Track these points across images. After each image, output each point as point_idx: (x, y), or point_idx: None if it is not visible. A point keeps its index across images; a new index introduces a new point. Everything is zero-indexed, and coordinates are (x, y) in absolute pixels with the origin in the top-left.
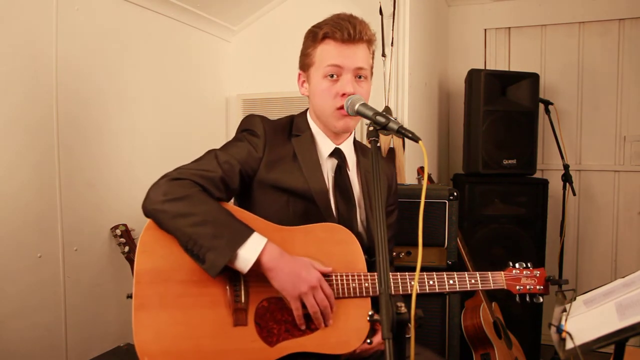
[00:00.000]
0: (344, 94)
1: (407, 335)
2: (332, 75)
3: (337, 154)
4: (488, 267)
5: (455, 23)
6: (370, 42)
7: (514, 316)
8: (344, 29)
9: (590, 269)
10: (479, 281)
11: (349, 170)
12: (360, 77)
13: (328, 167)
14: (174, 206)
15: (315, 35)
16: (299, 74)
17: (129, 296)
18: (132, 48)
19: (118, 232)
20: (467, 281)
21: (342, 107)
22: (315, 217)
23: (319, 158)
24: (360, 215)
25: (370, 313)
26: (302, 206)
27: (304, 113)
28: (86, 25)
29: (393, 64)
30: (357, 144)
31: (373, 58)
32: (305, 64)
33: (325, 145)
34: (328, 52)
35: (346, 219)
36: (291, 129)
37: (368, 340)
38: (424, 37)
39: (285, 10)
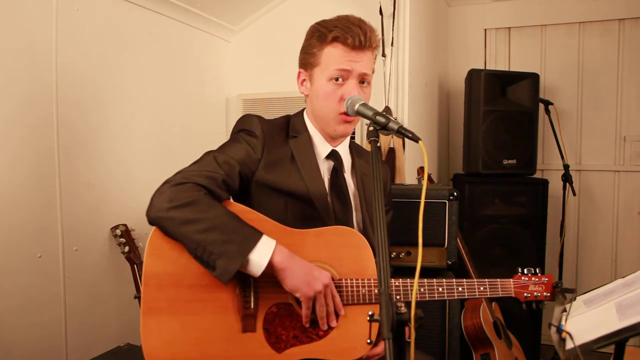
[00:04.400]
0: None
1: (407, 340)
2: (337, 79)
3: (333, 155)
4: (488, 267)
5: (455, 23)
6: (376, 48)
7: (514, 316)
8: (355, 36)
9: (590, 269)
10: (487, 289)
11: (344, 172)
12: (363, 82)
13: (324, 169)
14: (180, 213)
15: (323, 36)
16: (299, 72)
17: (135, 297)
18: (132, 48)
19: (118, 232)
20: (476, 289)
21: (345, 113)
22: (314, 219)
23: (317, 160)
24: (356, 217)
25: (370, 313)
26: (301, 208)
27: (301, 113)
28: (86, 25)
29: (393, 64)
30: (352, 146)
31: (375, 61)
32: (308, 63)
33: (322, 147)
34: (336, 56)
35: (342, 222)
36: (288, 130)
37: (368, 340)
38: (424, 37)
39: (285, 10)
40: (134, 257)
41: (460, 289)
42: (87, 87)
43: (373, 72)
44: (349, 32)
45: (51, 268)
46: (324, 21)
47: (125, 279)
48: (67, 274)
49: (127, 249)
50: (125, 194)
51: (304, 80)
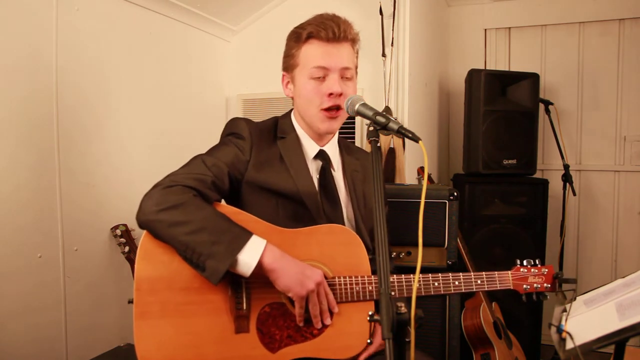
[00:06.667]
0: (330, 94)
1: (407, 339)
2: (317, 77)
3: (321, 155)
4: (488, 267)
5: (455, 23)
6: (354, 41)
7: (514, 316)
8: (328, 28)
9: (590, 269)
10: (485, 282)
11: (333, 170)
12: (346, 77)
13: (313, 169)
14: (168, 215)
15: (299, 36)
16: (283, 76)
17: (130, 301)
18: (132, 48)
19: (118, 232)
20: (473, 282)
21: (328, 109)
22: (304, 218)
23: (305, 160)
24: (347, 214)
25: (370, 313)
26: (292, 208)
27: (288, 115)
28: (86, 25)
29: (393, 64)
30: (341, 143)
31: (357, 57)
32: (289, 65)
33: (310, 148)
34: (313, 53)
35: (333, 220)
36: (276, 131)
37: (368, 340)
38: (424, 37)
39: (285, 10)
40: (134, 257)
41: (456, 282)
42: (87, 87)
43: (356, 67)
44: (321, 26)
45: (51, 268)
46: (299, 24)
47: (125, 279)
48: (67, 274)
49: (127, 249)
50: (125, 194)
51: (288, 82)
